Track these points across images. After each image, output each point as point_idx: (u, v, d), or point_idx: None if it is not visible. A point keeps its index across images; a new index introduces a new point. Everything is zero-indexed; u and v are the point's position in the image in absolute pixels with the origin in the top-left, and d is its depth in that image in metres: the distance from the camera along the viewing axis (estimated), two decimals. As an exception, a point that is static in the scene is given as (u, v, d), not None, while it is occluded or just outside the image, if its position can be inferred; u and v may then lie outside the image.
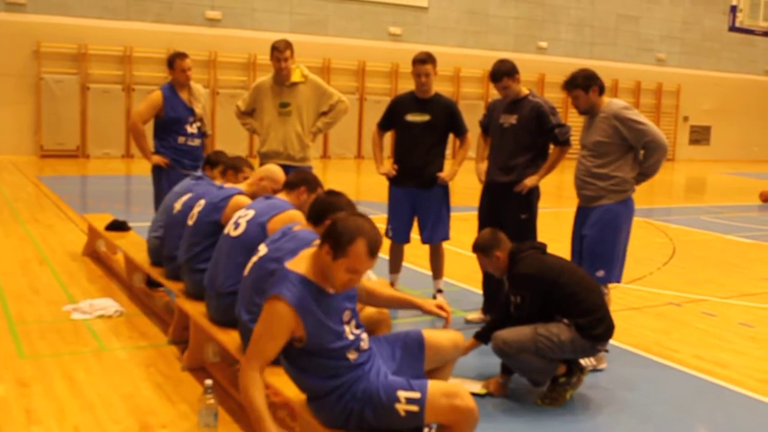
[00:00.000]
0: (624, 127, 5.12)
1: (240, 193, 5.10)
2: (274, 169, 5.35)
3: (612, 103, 5.24)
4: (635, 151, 5.23)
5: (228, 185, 5.32)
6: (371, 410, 3.18)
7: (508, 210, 5.95)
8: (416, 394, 3.15)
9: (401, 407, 3.14)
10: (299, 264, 3.25)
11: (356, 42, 23.39)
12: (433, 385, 3.21)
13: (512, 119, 5.91)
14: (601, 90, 5.25)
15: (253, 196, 5.03)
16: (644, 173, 5.29)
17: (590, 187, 5.26)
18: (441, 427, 3.27)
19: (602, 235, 5.19)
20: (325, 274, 3.18)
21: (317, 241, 3.34)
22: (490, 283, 6.03)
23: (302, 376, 3.26)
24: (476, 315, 6.16)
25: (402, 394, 3.16)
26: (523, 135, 5.87)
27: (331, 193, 4.04)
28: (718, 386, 4.99)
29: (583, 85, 5.20)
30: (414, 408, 3.14)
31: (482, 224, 5.96)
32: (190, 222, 5.20)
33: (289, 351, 3.22)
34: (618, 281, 5.38)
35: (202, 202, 5.18)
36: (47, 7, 19.48)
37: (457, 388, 3.21)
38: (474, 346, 4.59)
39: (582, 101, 5.24)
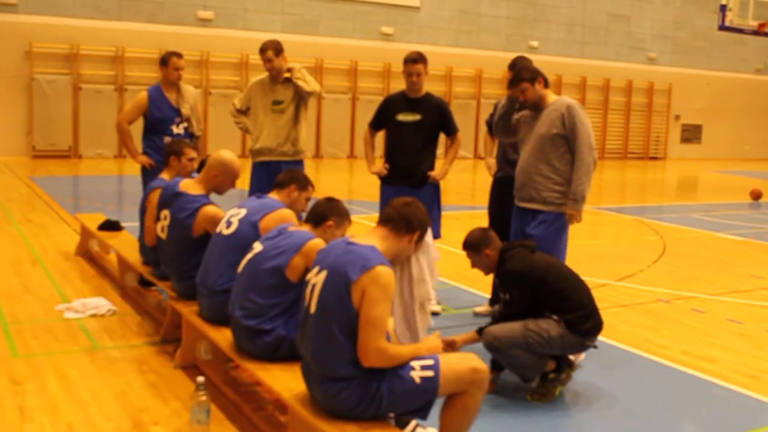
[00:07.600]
0: (569, 118, 5.09)
1: (207, 204, 4.97)
2: (226, 159, 5.07)
3: (565, 97, 5.25)
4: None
5: (193, 192, 5.04)
6: (388, 385, 3.21)
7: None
8: (429, 361, 3.28)
9: (416, 374, 3.23)
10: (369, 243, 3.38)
11: (348, 42, 23.43)
12: (446, 354, 3.39)
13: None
14: (545, 82, 5.26)
15: (210, 191, 5.03)
16: (571, 186, 5.14)
17: (536, 185, 5.21)
18: (450, 398, 3.32)
19: (549, 245, 5.09)
20: (398, 255, 3.48)
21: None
22: None
23: (351, 349, 3.21)
24: (484, 308, 6.22)
25: (416, 363, 3.27)
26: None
27: (331, 200, 4.15)
28: (707, 382, 5.03)
29: (529, 77, 5.21)
30: (429, 373, 3.24)
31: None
32: (162, 235, 5.14)
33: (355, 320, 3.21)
34: None
35: (167, 213, 5.08)
36: (39, 7, 19.45)
37: (470, 354, 3.37)
38: (475, 340, 4.61)
39: (529, 93, 5.22)
